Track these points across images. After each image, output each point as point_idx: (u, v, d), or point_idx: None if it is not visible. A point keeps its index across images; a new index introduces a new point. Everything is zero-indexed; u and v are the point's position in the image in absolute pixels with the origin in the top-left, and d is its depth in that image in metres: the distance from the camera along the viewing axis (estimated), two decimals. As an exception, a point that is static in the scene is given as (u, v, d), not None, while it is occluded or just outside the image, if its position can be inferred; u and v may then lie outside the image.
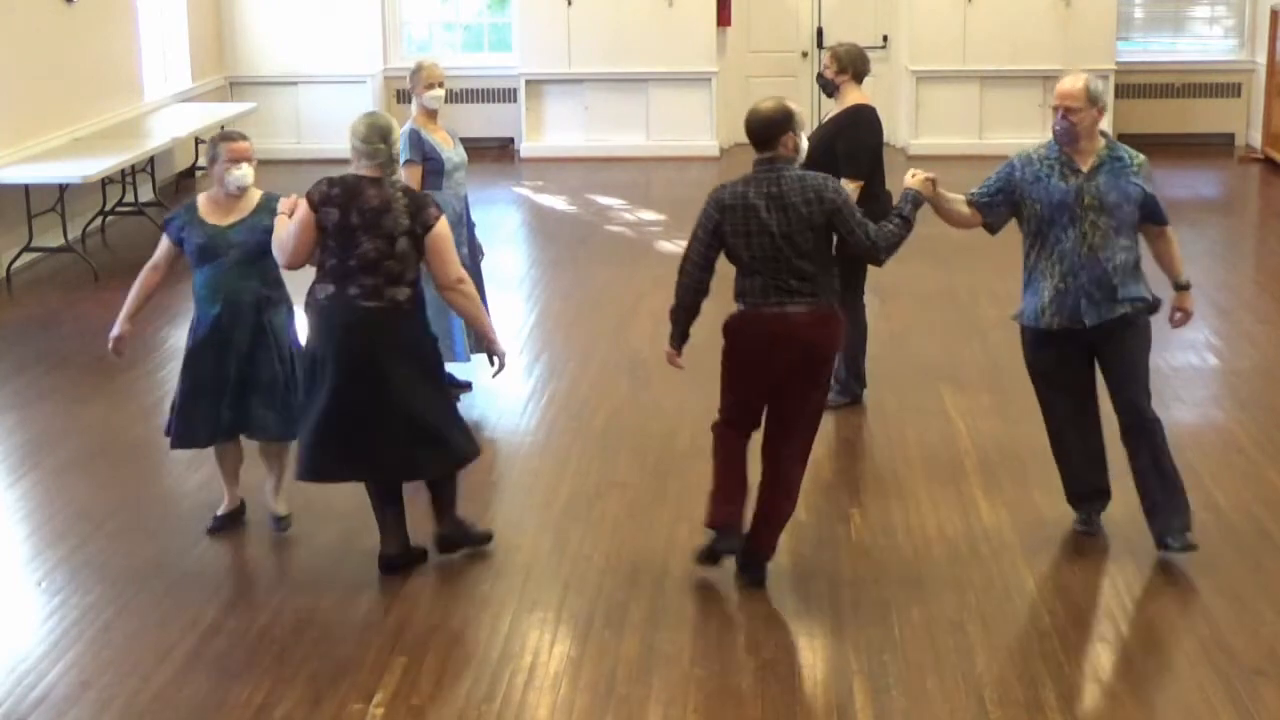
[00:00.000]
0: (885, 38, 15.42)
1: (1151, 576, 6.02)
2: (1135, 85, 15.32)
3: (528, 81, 15.25)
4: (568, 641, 5.58)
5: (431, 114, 7.96)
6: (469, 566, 6.20)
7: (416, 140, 7.84)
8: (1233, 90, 15.44)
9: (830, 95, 8.01)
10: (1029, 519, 6.53)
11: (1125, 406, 6.17)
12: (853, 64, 7.85)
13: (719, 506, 5.96)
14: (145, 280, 6.42)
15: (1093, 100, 6.09)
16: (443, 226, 5.94)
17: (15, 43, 11.20)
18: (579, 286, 10.57)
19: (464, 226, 8.03)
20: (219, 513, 6.58)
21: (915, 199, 6.11)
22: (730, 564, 6.14)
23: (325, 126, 14.98)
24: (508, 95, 15.53)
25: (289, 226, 5.97)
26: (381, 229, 5.82)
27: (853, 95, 7.85)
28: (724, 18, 15.25)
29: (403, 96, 8.03)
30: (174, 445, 6.54)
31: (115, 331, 6.45)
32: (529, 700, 5.18)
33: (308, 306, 5.98)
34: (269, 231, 6.17)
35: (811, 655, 5.48)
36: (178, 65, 14.28)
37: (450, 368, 8.17)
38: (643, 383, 8.47)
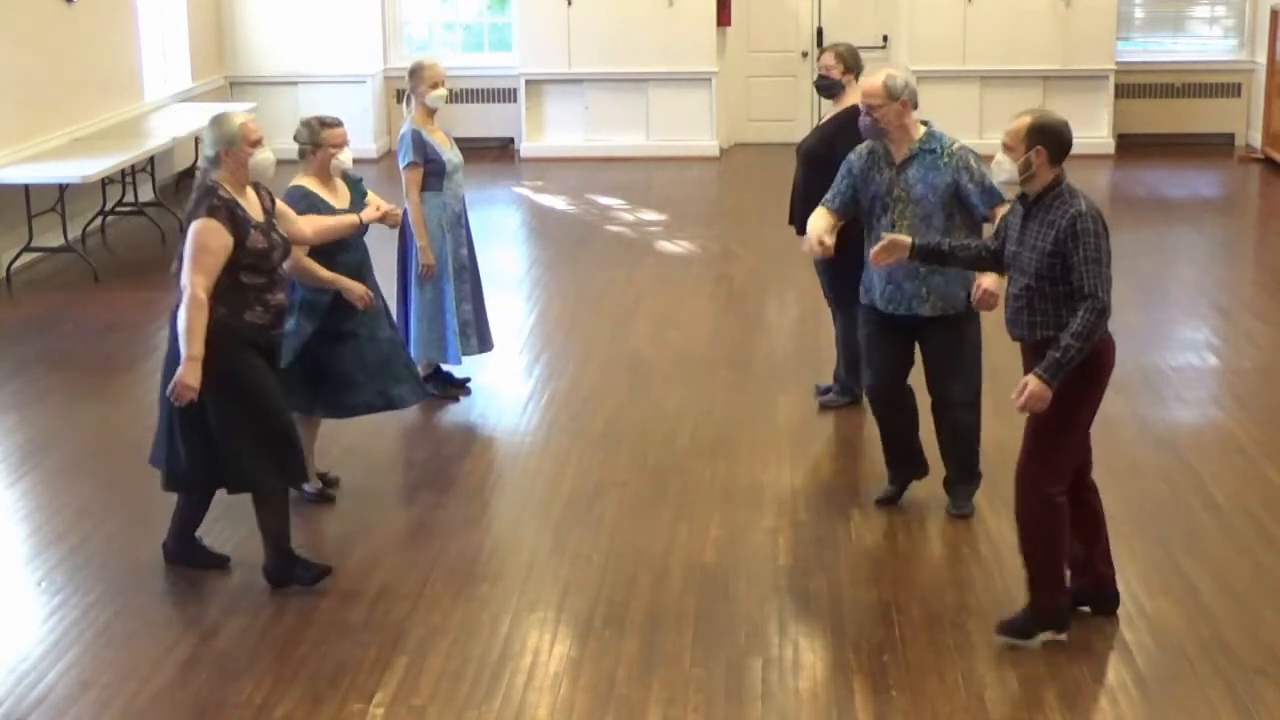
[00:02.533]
0: (885, 38, 15.42)
1: (1152, 576, 6.03)
2: (1135, 85, 15.32)
3: (528, 81, 15.25)
4: (568, 641, 5.58)
5: (430, 114, 7.94)
6: (469, 567, 6.20)
7: (419, 142, 7.82)
8: (1233, 90, 15.44)
9: (831, 97, 7.98)
10: (1029, 519, 6.52)
11: (934, 390, 6.59)
12: (855, 63, 7.87)
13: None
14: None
15: (892, 95, 6.26)
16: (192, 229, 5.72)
17: (15, 43, 11.20)
18: (579, 286, 10.57)
19: (463, 228, 8.02)
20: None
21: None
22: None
23: (325, 127, 15.00)
24: (508, 95, 15.53)
25: None
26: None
27: (853, 95, 7.84)
28: (724, 18, 15.25)
29: (404, 97, 8.01)
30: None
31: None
32: (529, 700, 5.18)
33: None
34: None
35: (811, 655, 5.48)
36: (178, 65, 14.27)
37: (448, 367, 8.19)
38: (643, 383, 8.47)
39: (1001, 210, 6.06)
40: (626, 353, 9.02)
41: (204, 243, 5.64)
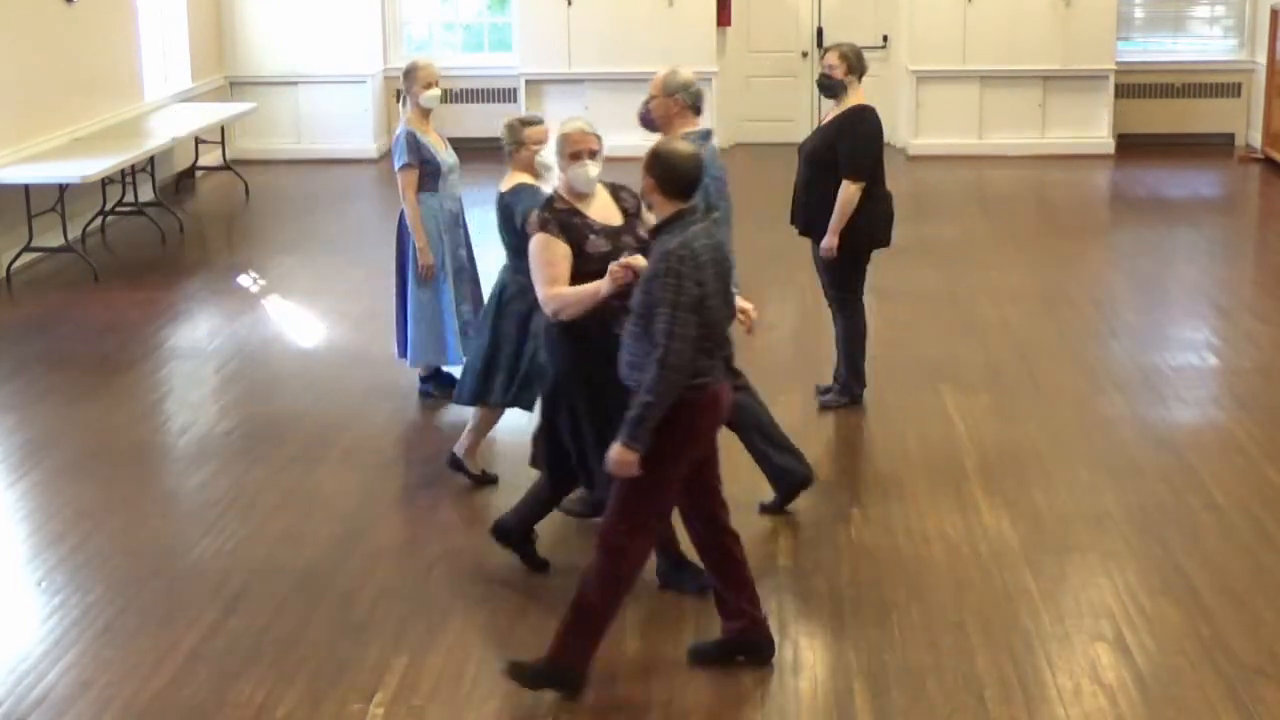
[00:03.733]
0: (885, 38, 15.42)
1: (1152, 576, 6.03)
2: (1135, 85, 15.31)
3: (528, 81, 15.24)
4: (568, 641, 5.57)
5: (425, 115, 7.93)
6: (469, 567, 6.19)
7: (414, 143, 7.81)
8: (1233, 90, 15.44)
9: (834, 97, 7.97)
10: (1029, 519, 6.53)
11: None
12: (859, 63, 7.85)
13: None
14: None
15: (667, 90, 6.29)
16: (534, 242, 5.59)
17: (15, 43, 11.20)
18: (579, 286, 10.54)
19: (460, 229, 8.02)
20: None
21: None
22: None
23: (325, 126, 15.00)
24: (508, 95, 15.52)
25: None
26: None
27: (854, 95, 7.85)
28: (724, 18, 15.25)
29: (401, 97, 8.01)
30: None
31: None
32: (529, 700, 5.17)
33: None
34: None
35: (811, 655, 5.48)
36: (178, 65, 14.27)
37: (449, 368, 8.19)
38: (643, 383, 8.45)
39: None
40: (626, 353, 9.00)
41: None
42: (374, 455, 7.42)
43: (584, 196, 5.70)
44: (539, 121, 6.59)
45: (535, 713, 5.10)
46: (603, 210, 5.73)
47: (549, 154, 6.32)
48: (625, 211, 5.76)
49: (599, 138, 5.84)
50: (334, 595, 5.92)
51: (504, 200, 6.51)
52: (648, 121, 6.50)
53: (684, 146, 5.19)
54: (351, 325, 9.59)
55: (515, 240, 6.35)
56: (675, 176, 5.02)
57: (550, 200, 5.71)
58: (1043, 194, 13.40)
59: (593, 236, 5.60)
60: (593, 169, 5.73)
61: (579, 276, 5.47)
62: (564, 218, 5.58)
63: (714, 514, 5.38)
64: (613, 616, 5.17)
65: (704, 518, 5.37)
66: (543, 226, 5.57)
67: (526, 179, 6.59)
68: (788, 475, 6.61)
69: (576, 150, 5.70)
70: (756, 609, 5.39)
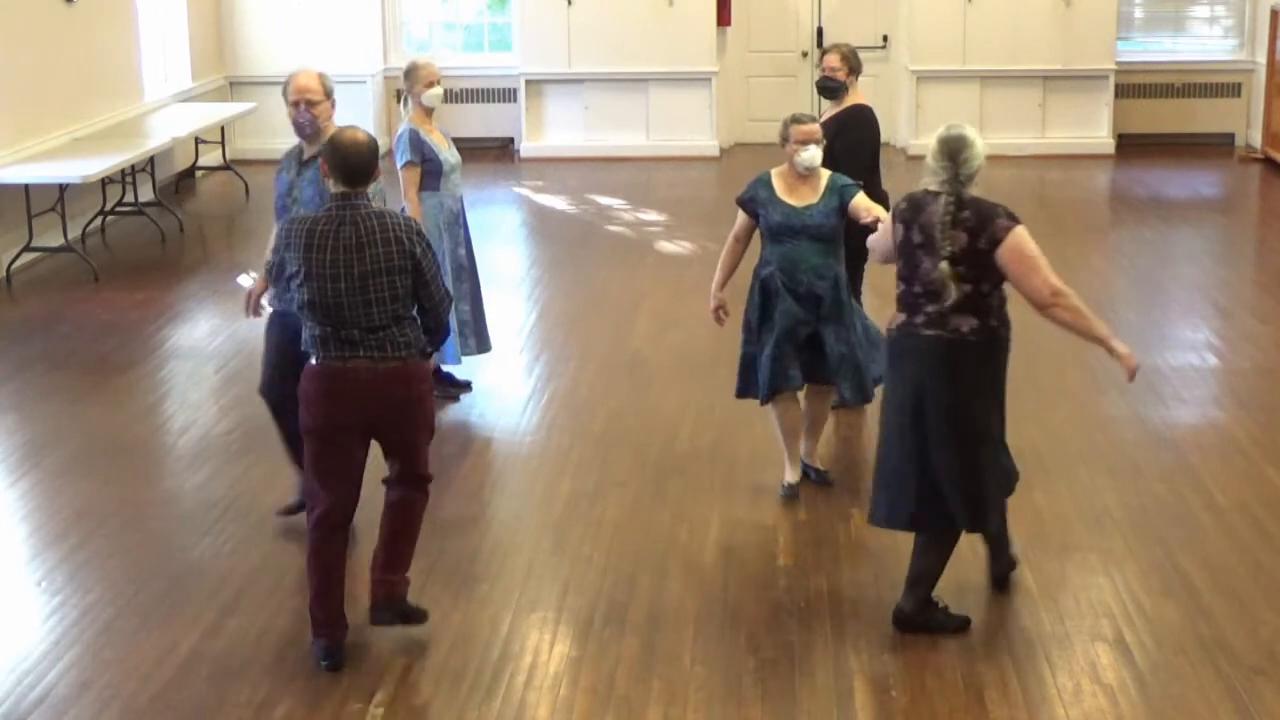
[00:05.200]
0: (885, 38, 15.42)
1: (1151, 576, 6.02)
2: (1135, 85, 15.31)
3: (528, 81, 15.25)
4: (568, 641, 5.58)
5: (428, 114, 7.94)
6: (469, 567, 6.20)
7: (416, 141, 7.82)
8: (1233, 90, 15.43)
9: (834, 97, 7.98)
10: (1029, 519, 6.52)
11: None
12: (858, 64, 7.88)
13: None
14: (731, 251, 6.83)
15: (328, 92, 6.32)
16: (1016, 237, 5.32)
17: (15, 43, 11.19)
18: (579, 286, 10.57)
19: (460, 228, 8.02)
20: (787, 480, 6.83)
21: None
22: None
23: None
24: (508, 95, 15.53)
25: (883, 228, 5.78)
26: (937, 249, 5.33)
27: (852, 95, 7.86)
28: (724, 18, 15.25)
29: (402, 97, 8.02)
30: (742, 394, 6.83)
31: (714, 303, 6.88)
32: (529, 700, 5.18)
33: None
34: (839, 213, 6.56)
35: (811, 655, 5.48)
36: (178, 65, 14.27)
37: (449, 368, 8.19)
38: (643, 383, 8.46)
39: None
40: (626, 353, 9.02)
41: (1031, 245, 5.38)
42: (374, 455, 7.40)
43: None
44: (810, 120, 6.65)
45: (535, 712, 5.10)
46: None
47: (810, 155, 6.57)
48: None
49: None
50: (334, 595, 5.92)
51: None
52: (314, 127, 6.19)
53: (353, 135, 5.38)
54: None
55: None
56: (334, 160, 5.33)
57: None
58: (1043, 194, 13.40)
59: None
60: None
61: None
62: None
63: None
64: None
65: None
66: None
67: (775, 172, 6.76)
68: None
69: None
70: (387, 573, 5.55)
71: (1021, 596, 5.86)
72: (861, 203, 6.59)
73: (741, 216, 6.77)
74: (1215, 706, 5.08)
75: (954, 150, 5.39)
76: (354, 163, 5.22)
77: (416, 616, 5.58)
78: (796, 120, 6.60)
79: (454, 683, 5.29)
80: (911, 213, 5.46)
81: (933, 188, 5.41)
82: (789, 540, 6.42)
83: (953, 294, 5.30)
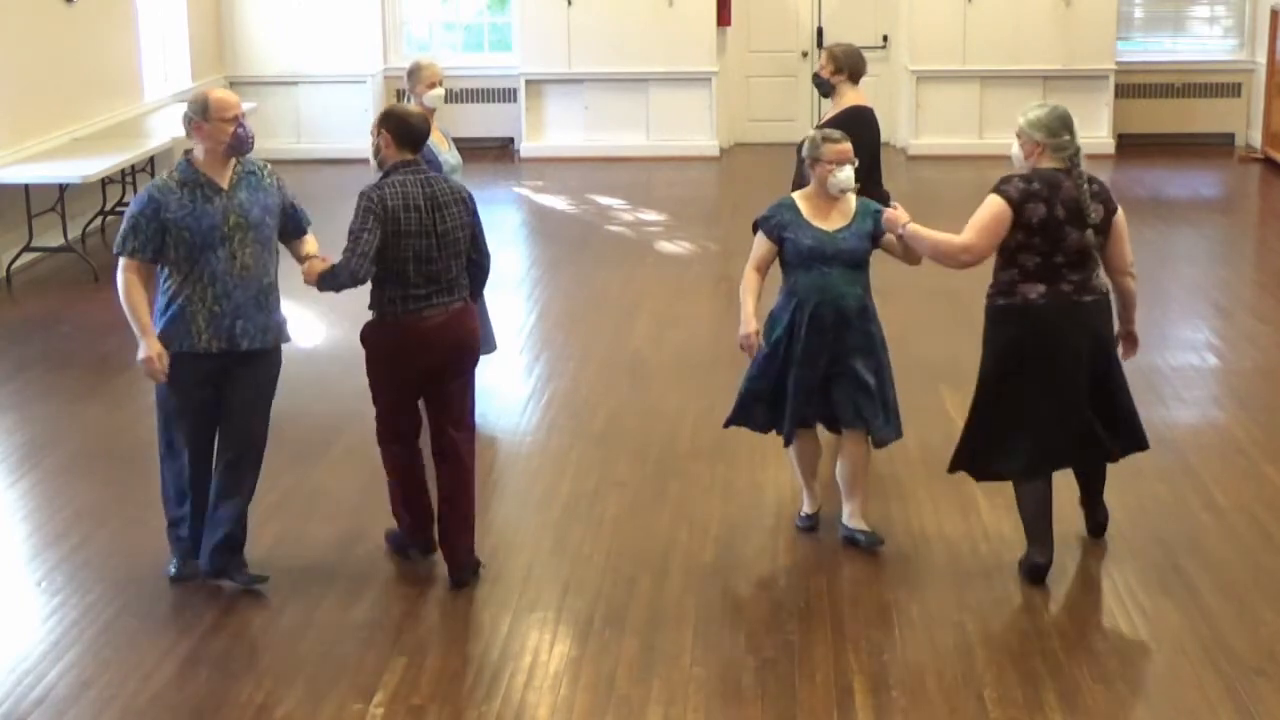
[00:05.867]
0: (885, 38, 15.42)
1: (1151, 576, 6.02)
2: (1135, 85, 15.32)
3: (528, 81, 15.25)
4: (568, 641, 5.58)
5: (429, 114, 7.92)
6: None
7: (416, 140, 7.81)
8: (1233, 90, 15.44)
9: (826, 95, 8.00)
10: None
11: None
12: (849, 64, 7.84)
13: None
14: (753, 281, 6.28)
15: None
16: (1120, 208, 5.98)
17: (15, 43, 11.20)
18: (579, 286, 10.57)
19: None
20: (806, 511, 6.49)
21: None
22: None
23: (325, 126, 15.01)
24: (508, 95, 15.53)
25: (980, 222, 5.84)
26: (1083, 221, 5.77)
27: (850, 96, 7.85)
28: (724, 18, 15.25)
29: (403, 97, 8.02)
30: (731, 423, 6.49)
31: (747, 329, 6.22)
32: (529, 700, 5.18)
33: (1000, 309, 5.93)
34: (872, 238, 6.19)
35: (811, 655, 5.48)
36: (178, 65, 14.27)
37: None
38: (643, 383, 8.47)
39: (311, 232, 6.20)
40: (626, 353, 9.02)
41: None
42: (374, 455, 7.39)
43: None
44: (842, 139, 6.23)
45: (535, 712, 5.10)
46: None
47: (845, 176, 6.21)
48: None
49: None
50: (334, 595, 5.92)
51: None
52: (247, 149, 5.92)
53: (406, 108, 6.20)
54: (351, 325, 9.51)
55: None
56: (402, 129, 5.92)
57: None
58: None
59: None
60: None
61: None
62: None
63: (410, 431, 6.16)
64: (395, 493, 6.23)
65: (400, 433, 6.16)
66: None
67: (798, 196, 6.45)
68: None
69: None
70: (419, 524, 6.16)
71: (1022, 596, 5.87)
72: (887, 222, 6.19)
73: (762, 241, 6.24)
74: (1215, 706, 5.08)
75: (1071, 124, 5.84)
76: (418, 127, 5.90)
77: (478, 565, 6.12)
78: (828, 139, 6.18)
79: (454, 683, 5.29)
80: (1049, 190, 5.77)
81: (1055, 165, 5.80)
82: (789, 540, 6.42)
83: (1098, 259, 5.86)
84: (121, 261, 5.81)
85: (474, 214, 6.06)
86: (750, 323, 6.21)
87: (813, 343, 6.14)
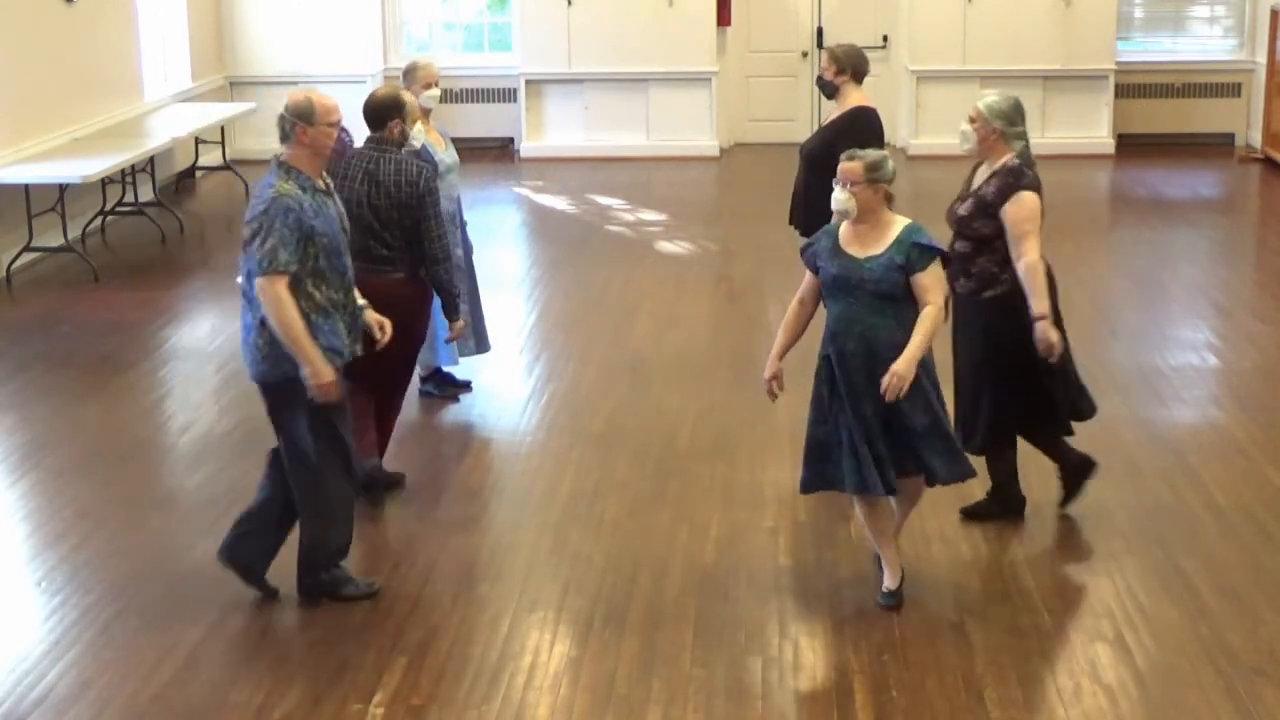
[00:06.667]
0: (885, 38, 15.42)
1: (1151, 576, 6.02)
2: (1135, 85, 15.31)
3: (528, 81, 15.25)
4: (568, 641, 5.58)
5: (425, 114, 7.93)
6: (469, 567, 6.20)
7: (414, 140, 7.80)
8: (1233, 90, 15.43)
9: (830, 96, 7.99)
10: (1029, 518, 6.52)
11: None
12: (852, 64, 7.84)
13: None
14: (795, 315, 5.89)
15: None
16: None
17: (15, 43, 11.19)
18: (579, 286, 10.57)
19: (458, 227, 8.01)
20: (889, 587, 5.77)
21: None
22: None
23: (325, 126, 14.99)
24: (508, 95, 15.53)
25: (1030, 224, 6.26)
26: None
27: (853, 96, 7.84)
28: (724, 18, 15.24)
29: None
30: (809, 488, 5.90)
31: (768, 372, 5.91)
32: (529, 700, 5.18)
33: (991, 300, 6.26)
34: (904, 270, 5.56)
35: (811, 655, 5.48)
36: (178, 65, 14.27)
37: (448, 368, 8.19)
38: (643, 383, 8.46)
39: None
40: (626, 353, 9.02)
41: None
42: (374, 455, 7.42)
43: None
44: (850, 158, 5.72)
45: (535, 712, 5.10)
46: None
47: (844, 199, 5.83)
48: None
49: None
50: (334, 595, 5.92)
51: None
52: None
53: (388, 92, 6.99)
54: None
55: None
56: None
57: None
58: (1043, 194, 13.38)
59: None
60: None
61: None
62: None
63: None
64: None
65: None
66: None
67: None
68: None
69: None
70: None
71: (1021, 596, 5.87)
72: (927, 280, 5.58)
73: (807, 273, 5.86)
74: (1215, 706, 5.08)
75: (1024, 114, 6.31)
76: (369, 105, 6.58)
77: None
78: (847, 156, 5.69)
79: (454, 683, 5.29)
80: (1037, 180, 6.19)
81: (1007, 153, 6.22)
82: (789, 540, 6.42)
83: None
84: (271, 280, 5.43)
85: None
86: (771, 365, 5.91)
87: (850, 380, 5.61)
